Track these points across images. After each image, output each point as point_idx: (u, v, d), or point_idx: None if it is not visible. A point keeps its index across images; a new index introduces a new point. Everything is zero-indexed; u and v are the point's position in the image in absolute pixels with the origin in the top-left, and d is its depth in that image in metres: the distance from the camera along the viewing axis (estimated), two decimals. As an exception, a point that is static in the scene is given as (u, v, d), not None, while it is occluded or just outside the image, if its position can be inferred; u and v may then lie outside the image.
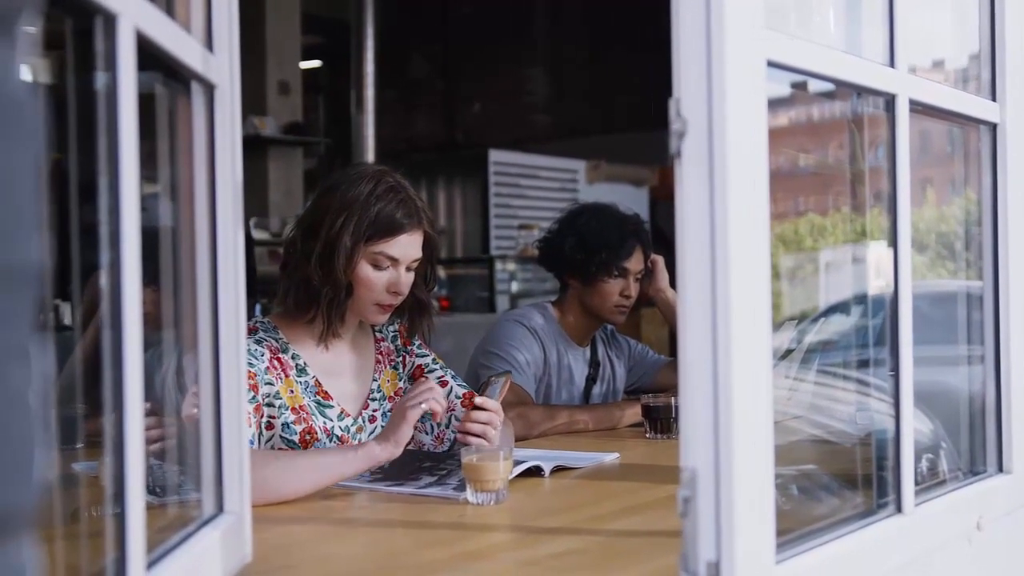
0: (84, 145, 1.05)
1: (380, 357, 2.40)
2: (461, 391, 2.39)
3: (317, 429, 2.21)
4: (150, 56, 1.12)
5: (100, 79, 1.03)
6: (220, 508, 1.39)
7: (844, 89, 1.63)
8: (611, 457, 2.37)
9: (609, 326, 3.22)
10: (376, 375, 2.38)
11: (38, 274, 0.60)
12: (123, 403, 1.02)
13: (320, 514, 1.86)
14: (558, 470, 2.20)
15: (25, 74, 0.60)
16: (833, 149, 2.08)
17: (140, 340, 1.04)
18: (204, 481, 1.38)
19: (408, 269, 2.25)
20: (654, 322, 6.68)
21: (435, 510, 1.86)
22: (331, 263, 2.18)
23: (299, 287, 2.23)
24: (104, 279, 1.03)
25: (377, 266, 2.21)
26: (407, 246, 2.23)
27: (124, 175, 1.02)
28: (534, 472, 2.13)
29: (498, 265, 7.65)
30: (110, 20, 1.01)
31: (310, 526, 1.82)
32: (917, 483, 1.57)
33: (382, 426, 2.31)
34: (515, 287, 7.70)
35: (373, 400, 2.35)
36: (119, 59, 1.02)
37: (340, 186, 2.22)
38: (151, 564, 1.11)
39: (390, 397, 2.38)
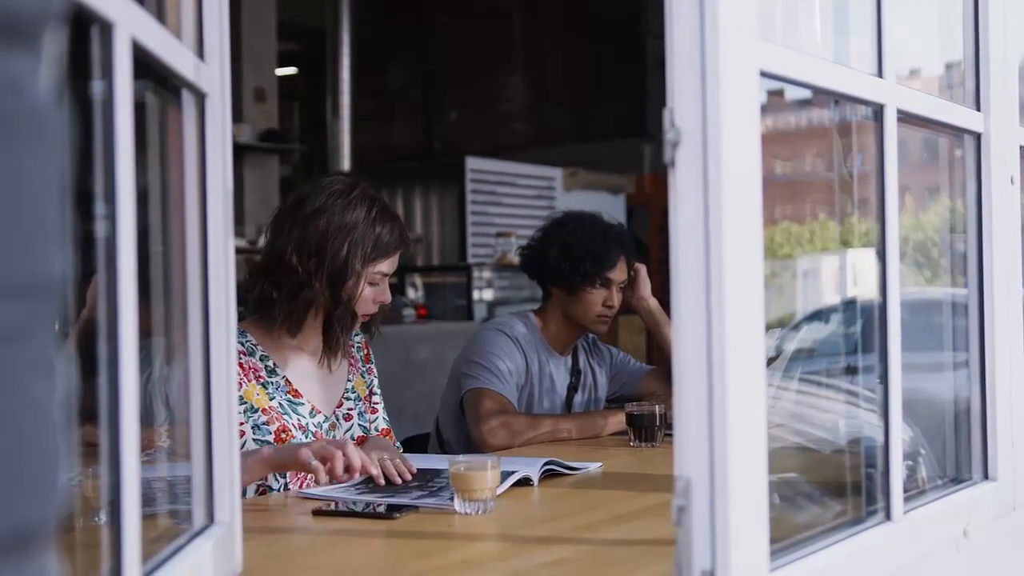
0: (78, 153, 1.04)
1: (352, 360, 2.48)
2: (382, 425, 2.49)
3: (291, 427, 2.27)
4: (142, 64, 1.12)
5: (95, 87, 1.02)
6: (211, 519, 1.38)
7: (821, 97, 1.64)
8: (595, 466, 2.37)
9: (591, 334, 3.23)
10: (350, 376, 2.46)
11: (61, 286, 0.60)
12: (119, 414, 1.01)
13: (310, 525, 1.85)
14: (547, 476, 2.20)
15: (49, 85, 0.60)
16: (810, 157, 2.09)
17: (135, 350, 1.03)
18: (195, 492, 1.37)
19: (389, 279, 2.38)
20: (631, 330, 6.69)
21: (423, 520, 1.85)
22: (341, 288, 2.27)
23: (303, 308, 2.28)
24: (100, 288, 1.03)
25: (372, 283, 2.32)
26: (396, 261, 2.37)
27: (120, 183, 1.02)
28: (522, 481, 2.13)
29: (475, 273, 7.63)
30: (107, 29, 1.00)
31: (300, 537, 1.81)
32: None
33: (359, 424, 2.43)
34: (493, 295, 7.69)
35: (348, 399, 2.43)
36: (115, 67, 1.01)
37: (330, 208, 2.27)
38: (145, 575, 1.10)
39: (364, 398, 2.47)
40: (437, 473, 2.20)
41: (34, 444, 0.57)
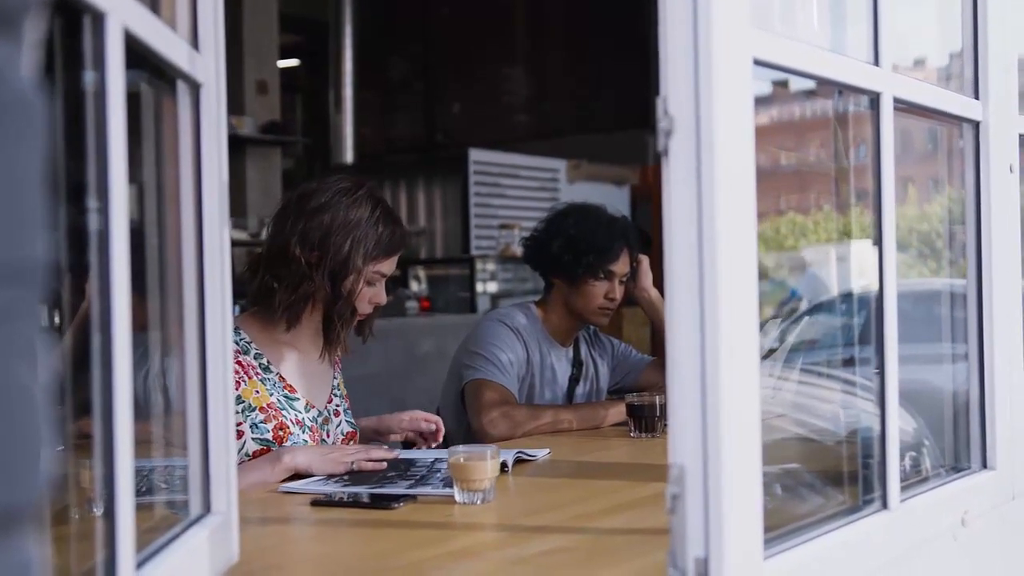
0: (68, 144, 1.05)
1: (336, 359, 2.52)
2: (347, 429, 2.49)
3: (288, 423, 2.29)
4: (136, 54, 1.12)
5: (87, 77, 1.02)
6: (207, 508, 1.38)
7: (826, 87, 1.64)
8: (543, 453, 2.40)
9: (592, 326, 3.22)
10: (336, 374, 2.49)
11: (43, 271, 0.60)
12: (112, 405, 1.02)
13: (307, 515, 1.86)
14: (519, 462, 2.25)
15: (30, 73, 0.60)
16: (814, 148, 2.09)
17: (129, 341, 1.03)
18: (191, 481, 1.37)
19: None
20: (635, 321, 6.69)
21: (422, 510, 1.86)
22: (341, 283, 2.29)
23: (302, 301, 2.31)
24: (91, 281, 1.03)
25: (370, 283, 2.35)
26: (395, 263, 2.39)
27: (113, 175, 1.02)
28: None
29: (479, 265, 7.63)
30: (98, 18, 1.00)
31: (297, 527, 1.82)
32: (901, 480, 1.57)
33: (347, 421, 2.47)
34: (496, 287, 7.69)
35: (336, 396, 2.47)
36: (107, 58, 1.01)
37: (335, 205, 2.30)
38: (140, 564, 1.11)
39: (345, 397, 2.51)
40: (412, 463, 2.22)
41: (16, 427, 0.57)
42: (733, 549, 1.17)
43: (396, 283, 7.27)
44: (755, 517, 1.22)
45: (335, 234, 2.28)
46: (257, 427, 2.24)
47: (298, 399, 2.34)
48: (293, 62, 10.33)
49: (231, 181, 1.45)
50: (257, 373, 2.29)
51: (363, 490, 1.98)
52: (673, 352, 1.19)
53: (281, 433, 2.26)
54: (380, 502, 1.88)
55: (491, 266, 7.72)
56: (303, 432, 2.30)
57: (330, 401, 2.44)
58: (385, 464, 2.17)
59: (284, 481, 2.09)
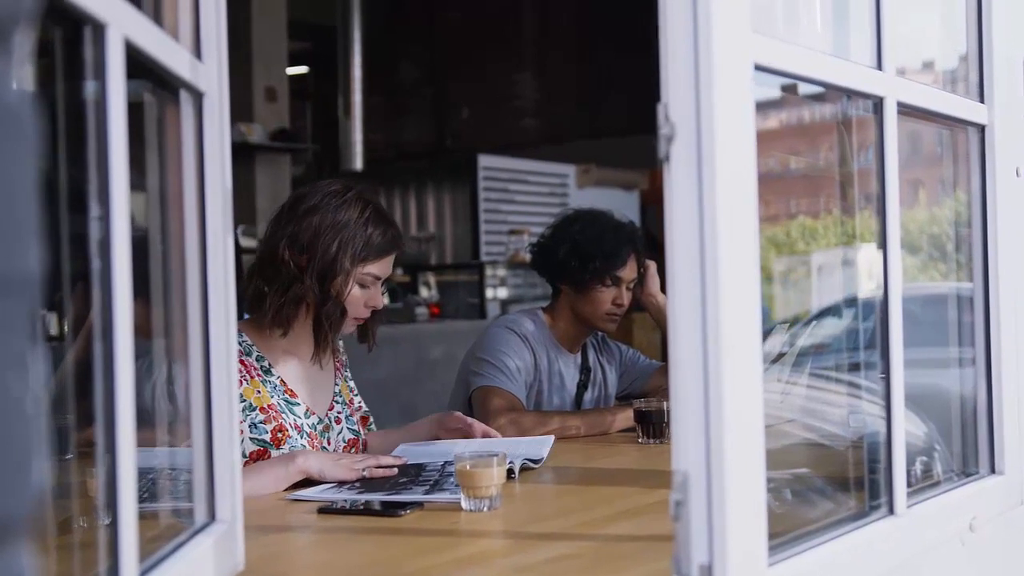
0: (72, 153, 1.05)
1: (338, 366, 2.52)
2: (349, 436, 2.48)
3: (288, 426, 2.30)
4: (138, 64, 1.12)
5: (89, 88, 1.03)
6: (212, 516, 1.39)
7: (833, 92, 1.63)
8: (547, 445, 2.41)
9: (600, 332, 3.22)
10: (337, 380, 2.49)
11: (36, 282, 0.61)
12: (114, 413, 1.02)
13: (312, 523, 1.86)
14: (524, 469, 2.24)
15: (22, 83, 0.60)
16: (824, 151, 2.09)
17: (131, 350, 1.04)
18: (196, 490, 1.38)
19: (383, 284, 2.40)
20: (645, 327, 6.69)
21: (429, 517, 1.85)
22: (329, 284, 2.29)
23: (292, 304, 2.30)
24: (94, 289, 1.03)
25: (362, 285, 2.34)
26: (389, 265, 2.38)
27: (114, 184, 1.02)
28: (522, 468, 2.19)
29: (488, 271, 7.63)
30: (99, 29, 1.00)
31: (302, 534, 1.82)
32: (910, 485, 1.57)
33: (348, 428, 2.46)
34: (506, 293, 7.68)
35: (337, 403, 2.47)
36: (108, 68, 1.02)
37: (324, 207, 2.31)
38: (144, 573, 1.11)
39: (348, 403, 2.51)
40: (422, 468, 2.22)
41: (7, 439, 0.57)
42: (737, 555, 1.17)
43: (406, 289, 7.28)
44: (759, 523, 1.22)
45: (323, 235, 2.28)
46: (256, 427, 2.25)
47: (299, 404, 2.34)
48: (302, 69, 10.34)
49: (241, 189, 1.45)
50: (259, 374, 2.30)
51: (377, 497, 1.98)
52: (675, 357, 1.19)
53: (280, 435, 2.26)
54: (387, 510, 1.88)
55: (501, 272, 7.72)
56: (301, 437, 2.30)
57: (331, 408, 2.44)
58: (396, 471, 2.17)
59: (296, 488, 2.09)
